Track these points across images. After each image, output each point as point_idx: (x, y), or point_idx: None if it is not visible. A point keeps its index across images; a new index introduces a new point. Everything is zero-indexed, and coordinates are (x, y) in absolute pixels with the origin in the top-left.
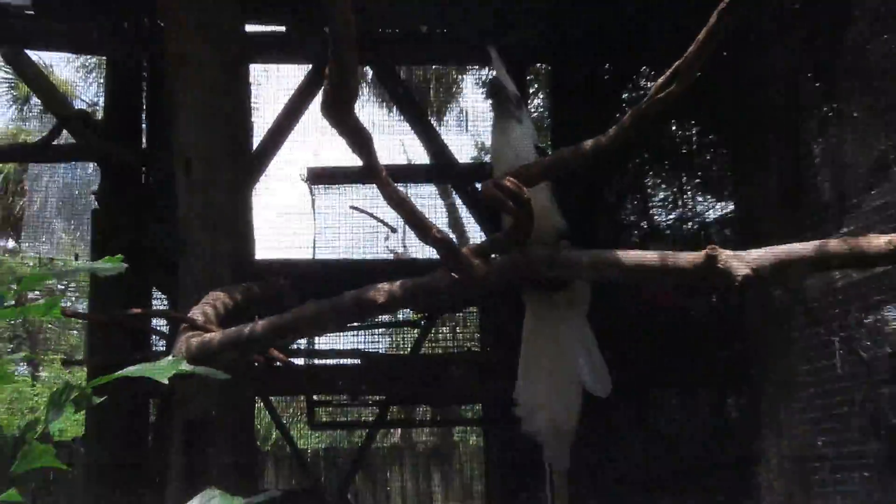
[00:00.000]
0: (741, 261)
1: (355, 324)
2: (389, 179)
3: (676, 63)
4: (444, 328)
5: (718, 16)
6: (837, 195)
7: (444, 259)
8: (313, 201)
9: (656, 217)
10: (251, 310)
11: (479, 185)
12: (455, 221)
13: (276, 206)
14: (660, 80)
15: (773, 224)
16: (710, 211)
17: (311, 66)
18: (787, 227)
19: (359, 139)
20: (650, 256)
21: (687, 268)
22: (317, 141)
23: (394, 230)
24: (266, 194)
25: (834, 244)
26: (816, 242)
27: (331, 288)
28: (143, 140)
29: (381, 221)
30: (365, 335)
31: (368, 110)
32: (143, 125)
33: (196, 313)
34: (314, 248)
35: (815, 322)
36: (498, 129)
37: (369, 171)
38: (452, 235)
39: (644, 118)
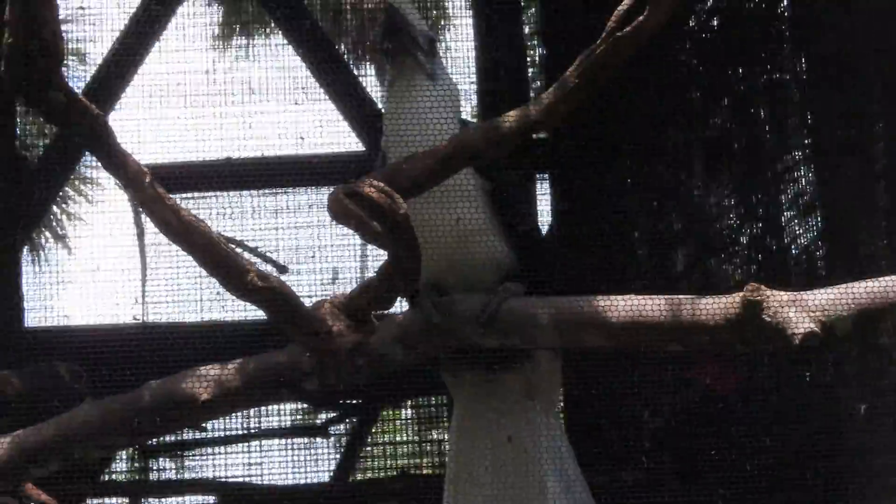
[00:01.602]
0: (802, 309)
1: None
2: (160, 189)
3: None
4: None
5: None
6: None
7: (280, 325)
8: (140, 223)
9: (720, 222)
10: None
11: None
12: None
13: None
14: (620, 7)
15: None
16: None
17: None
18: None
19: (85, 126)
20: (653, 306)
21: (714, 323)
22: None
23: (283, 270)
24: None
25: None
26: None
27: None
28: None
29: (261, 255)
30: (245, 450)
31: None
32: None
33: None
34: (144, 303)
35: None
36: (395, 90)
37: (119, 175)
38: None
39: (599, 70)
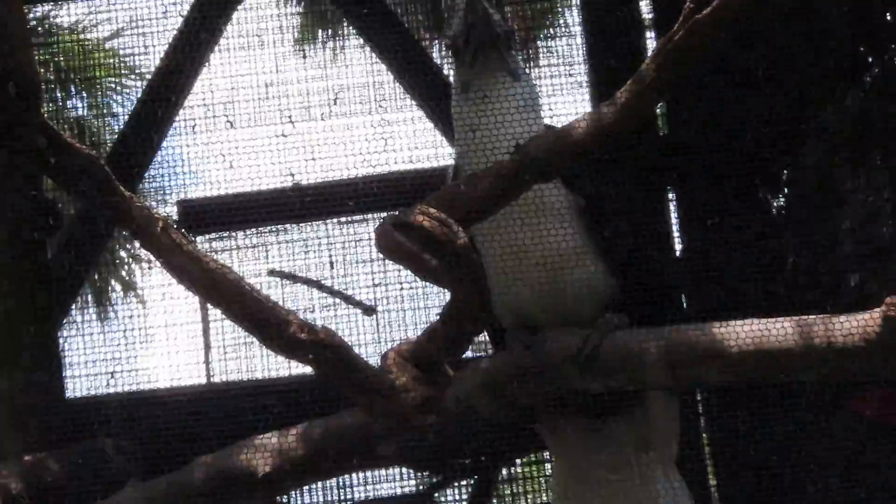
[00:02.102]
0: None
1: None
2: (175, 236)
3: None
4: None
5: None
6: None
7: (332, 384)
8: None
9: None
10: None
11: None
12: None
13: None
14: None
15: None
16: None
17: None
18: None
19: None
20: (779, 330)
21: (851, 346)
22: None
23: (370, 311)
24: None
25: None
26: None
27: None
28: None
29: (341, 295)
30: None
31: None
32: None
33: None
34: (207, 361)
35: None
36: (473, 92)
37: (123, 223)
38: None
39: (679, 61)
